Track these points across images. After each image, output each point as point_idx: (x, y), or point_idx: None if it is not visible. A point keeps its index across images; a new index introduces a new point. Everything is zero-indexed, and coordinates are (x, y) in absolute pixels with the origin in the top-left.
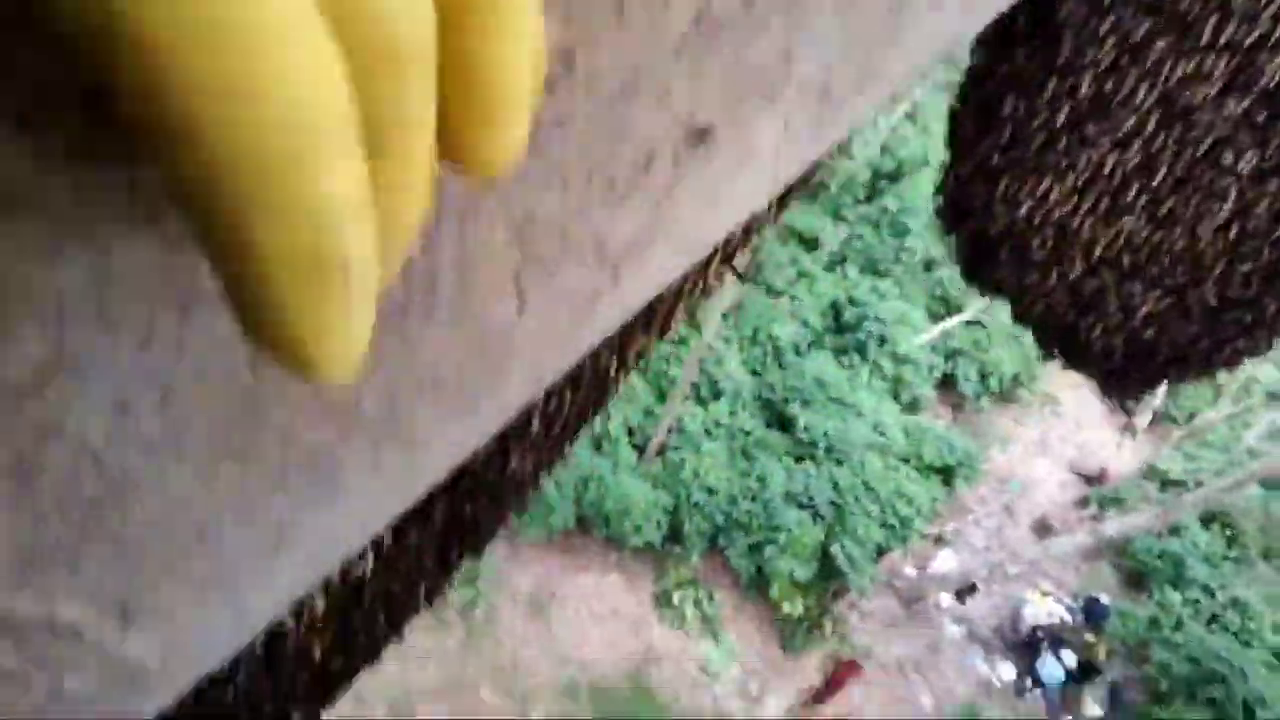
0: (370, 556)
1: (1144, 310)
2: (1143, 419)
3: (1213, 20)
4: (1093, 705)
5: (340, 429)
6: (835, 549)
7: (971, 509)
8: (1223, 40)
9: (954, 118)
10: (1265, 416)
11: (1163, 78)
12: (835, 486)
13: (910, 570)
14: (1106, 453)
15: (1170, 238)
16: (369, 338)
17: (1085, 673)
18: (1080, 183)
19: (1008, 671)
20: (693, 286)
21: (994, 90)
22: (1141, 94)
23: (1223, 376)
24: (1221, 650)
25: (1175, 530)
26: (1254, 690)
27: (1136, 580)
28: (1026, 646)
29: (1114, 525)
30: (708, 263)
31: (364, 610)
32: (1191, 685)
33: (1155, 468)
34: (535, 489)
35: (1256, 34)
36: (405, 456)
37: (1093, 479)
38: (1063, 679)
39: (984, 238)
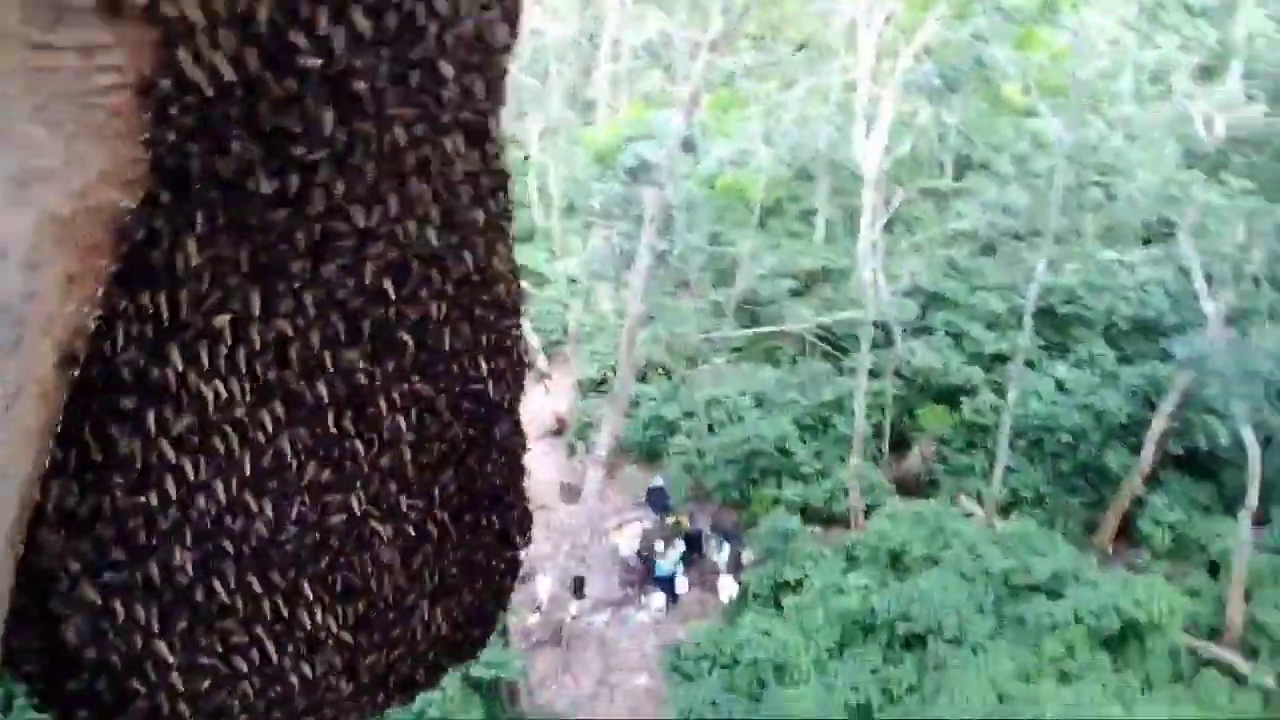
0: None
1: None
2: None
3: None
4: (717, 555)
5: None
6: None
7: None
8: None
9: None
10: None
11: None
12: None
13: (533, 617)
14: (558, 406)
15: None
16: None
17: (691, 543)
18: None
19: (657, 600)
20: None
21: None
22: None
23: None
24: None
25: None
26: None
27: (652, 454)
28: (648, 569)
29: (606, 435)
30: None
31: None
32: (739, 472)
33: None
34: None
35: None
36: None
37: (560, 430)
38: (681, 561)
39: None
